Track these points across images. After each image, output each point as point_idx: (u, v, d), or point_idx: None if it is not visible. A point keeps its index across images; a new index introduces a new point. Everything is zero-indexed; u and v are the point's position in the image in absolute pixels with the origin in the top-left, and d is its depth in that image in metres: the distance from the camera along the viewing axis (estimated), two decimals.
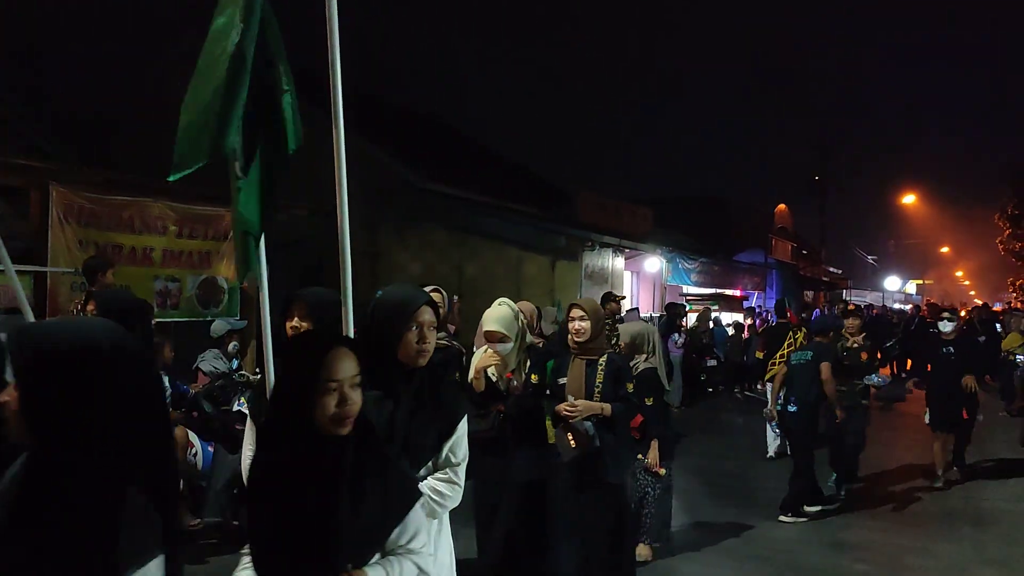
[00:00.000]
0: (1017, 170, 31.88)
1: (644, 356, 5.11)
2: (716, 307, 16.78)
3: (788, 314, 9.69)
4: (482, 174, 16.72)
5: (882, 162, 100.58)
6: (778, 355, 8.45)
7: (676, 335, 12.28)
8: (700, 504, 6.85)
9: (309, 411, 1.80)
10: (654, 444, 5.07)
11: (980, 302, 25.82)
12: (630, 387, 4.21)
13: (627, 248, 16.28)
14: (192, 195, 8.10)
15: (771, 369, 8.52)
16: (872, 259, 49.85)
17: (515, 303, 4.23)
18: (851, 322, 7.69)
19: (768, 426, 8.60)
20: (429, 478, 2.47)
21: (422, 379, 2.53)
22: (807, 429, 6.56)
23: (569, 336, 4.24)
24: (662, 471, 5.11)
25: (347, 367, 1.86)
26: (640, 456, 5.11)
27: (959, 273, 61.40)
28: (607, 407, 4.07)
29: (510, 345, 4.05)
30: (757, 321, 16.19)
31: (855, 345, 7.47)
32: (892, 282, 45.53)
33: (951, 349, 7.56)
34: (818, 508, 6.49)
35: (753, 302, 20.96)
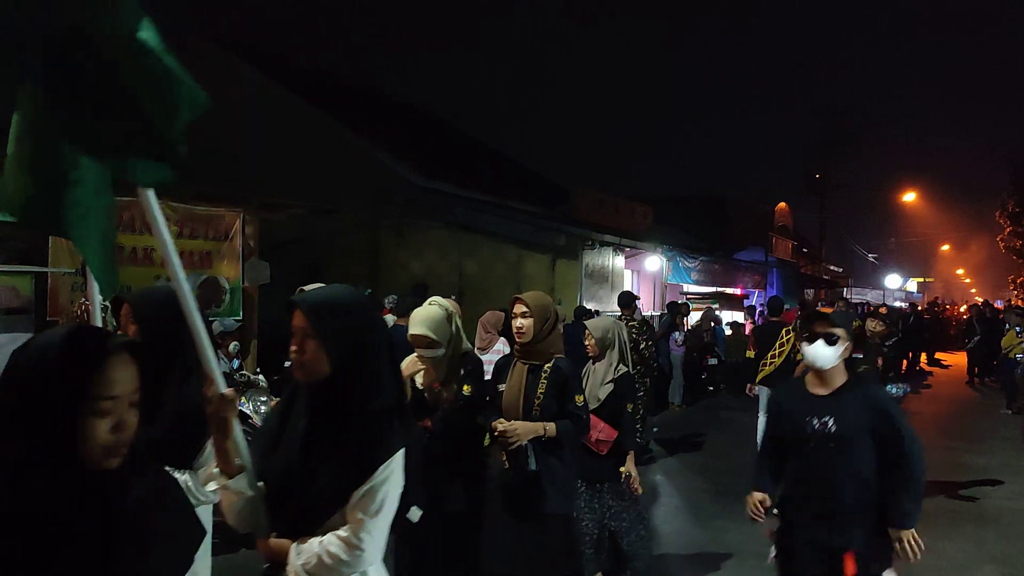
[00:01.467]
0: (1017, 167, 31.89)
1: (618, 357, 4.46)
2: (717, 306, 16.77)
3: (783, 312, 9.34)
4: (482, 172, 16.74)
5: (883, 160, 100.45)
6: (769, 355, 8.12)
7: (677, 334, 12.29)
8: (701, 502, 6.86)
9: (72, 440, 1.37)
10: (631, 457, 4.37)
11: (981, 300, 25.81)
12: (580, 399, 3.53)
13: (627, 247, 16.27)
14: (192, 195, 8.10)
15: (762, 370, 8.20)
16: (873, 257, 49.83)
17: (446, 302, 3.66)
18: (872, 325, 6.71)
19: (760, 431, 8.43)
20: (328, 535, 1.94)
21: (343, 395, 1.98)
22: None
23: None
24: (640, 490, 4.43)
25: (126, 379, 1.45)
26: (604, 482, 4.37)
27: (960, 271, 61.41)
28: (551, 427, 3.42)
29: (440, 351, 3.48)
30: (759, 320, 16.17)
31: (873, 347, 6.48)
32: (893, 280, 45.50)
33: (829, 425, 3.01)
34: None
35: (754, 300, 20.95)
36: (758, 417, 8.43)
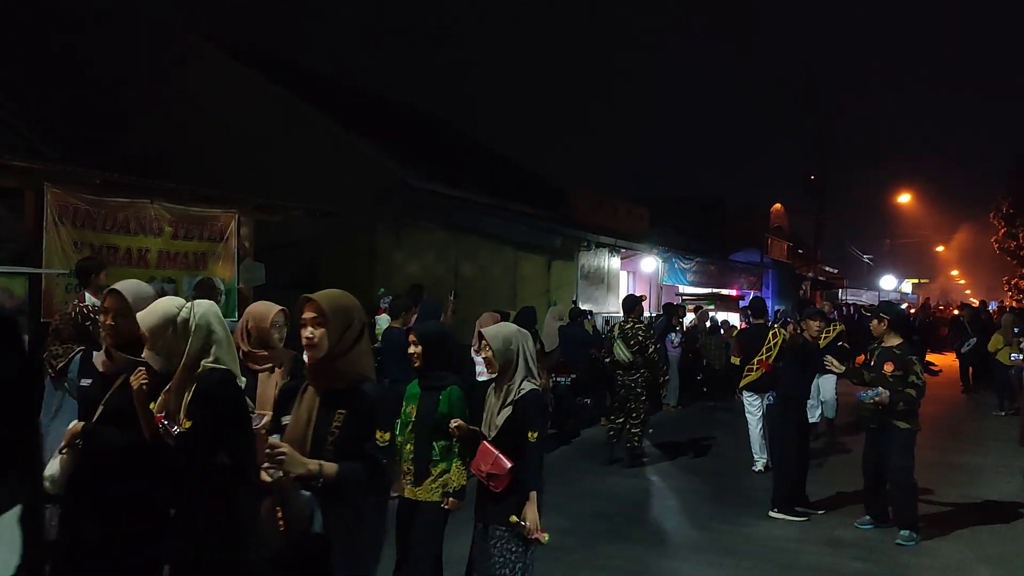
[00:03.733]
0: (1012, 169, 32.04)
1: (523, 374, 3.65)
2: (712, 307, 16.79)
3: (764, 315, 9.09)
4: (479, 173, 16.74)
5: (879, 161, 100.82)
6: (755, 360, 7.68)
7: (673, 335, 12.31)
8: (698, 503, 6.87)
9: None
10: (533, 499, 3.52)
11: (976, 301, 25.86)
12: (384, 438, 2.71)
13: (623, 248, 16.29)
14: (188, 196, 8.08)
15: (747, 375, 7.81)
16: (868, 258, 49.91)
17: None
18: (876, 326, 6.22)
19: (752, 439, 8.07)
20: None
21: None
22: (779, 421, 6.70)
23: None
24: (544, 536, 3.53)
25: None
26: (510, 521, 3.50)
27: (955, 272, 61.59)
28: (329, 467, 2.50)
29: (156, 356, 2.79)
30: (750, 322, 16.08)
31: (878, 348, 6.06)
32: (888, 281, 45.62)
33: None
34: (803, 512, 6.40)
35: (749, 302, 20.98)
36: (749, 427, 8.10)
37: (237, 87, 13.17)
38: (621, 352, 8.11)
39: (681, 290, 18.87)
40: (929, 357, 20.53)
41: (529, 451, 3.55)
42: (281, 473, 2.45)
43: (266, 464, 2.45)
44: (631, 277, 18.26)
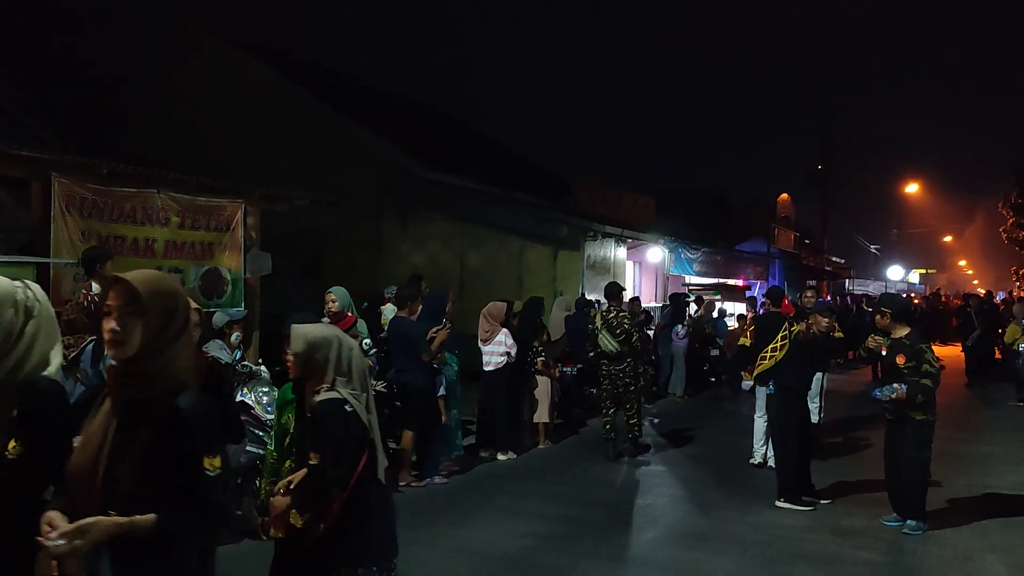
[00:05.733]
0: (1021, 158, 31.82)
1: (328, 380, 3.03)
2: (718, 297, 16.77)
3: (784, 302, 8.94)
4: (485, 164, 16.73)
5: (886, 151, 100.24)
6: (769, 348, 7.38)
7: (679, 326, 12.29)
8: (703, 492, 6.88)
9: None
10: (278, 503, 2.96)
11: (982, 291, 25.72)
12: (214, 464, 1.98)
13: (629, 238, 16.26)
14: (194, 186, 8.09)
15: (761, 363, 7.49)
16: (875, 248, 49.71)
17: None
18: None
19: (756, 429, 8.01)
20: None
21: None
22: (779, 411, 6.70)
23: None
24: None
25: None
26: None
27: (962, 262, 61.31)
28: (144, 520, 1.86)
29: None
30: (762, 311, 16.05)
31: (877, 343, 6.00)
32: (895, 271, 45.46)
33: None
34: (809, 502, 6.37)
35: (756, 292, 20.93)
36: (755, 418, 8.04)
37: (240, 79, 13.19)
38: (607, 343, 7.98)
39: (688, 280, 18.84)
40: (936, 349, 20.39)
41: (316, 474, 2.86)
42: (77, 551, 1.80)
43: (50, 548, 1.78)
44: (637, 267, 18.22)
